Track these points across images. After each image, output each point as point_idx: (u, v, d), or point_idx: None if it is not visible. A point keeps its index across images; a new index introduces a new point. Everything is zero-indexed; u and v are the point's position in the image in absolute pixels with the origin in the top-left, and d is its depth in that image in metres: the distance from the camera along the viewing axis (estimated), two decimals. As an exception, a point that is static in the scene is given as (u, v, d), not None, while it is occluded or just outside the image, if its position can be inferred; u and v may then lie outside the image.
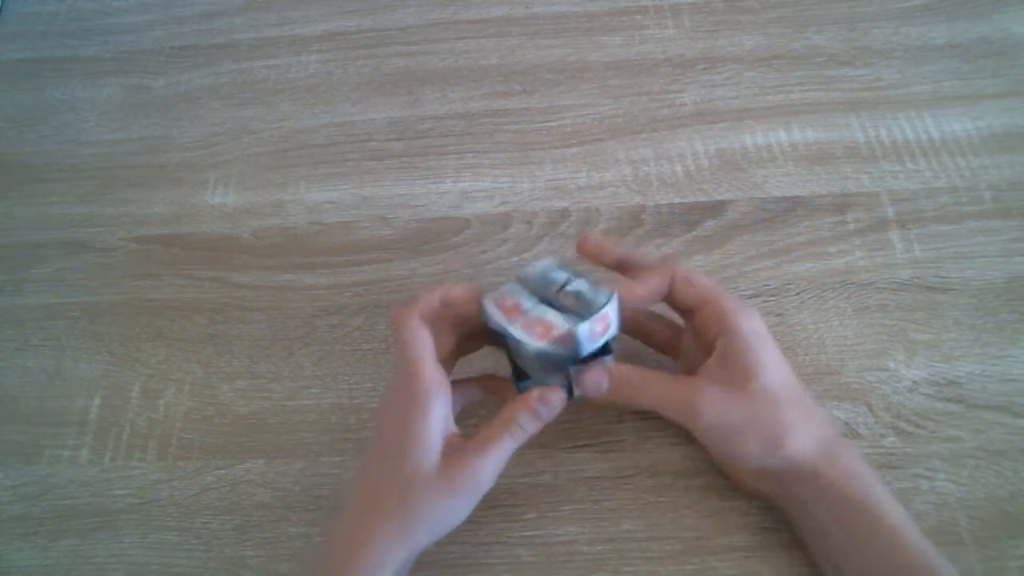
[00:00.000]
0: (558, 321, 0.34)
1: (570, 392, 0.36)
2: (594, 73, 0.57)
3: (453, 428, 0.35)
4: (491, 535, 0.40)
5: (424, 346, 0.35)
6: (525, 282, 0.37)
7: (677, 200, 0.50)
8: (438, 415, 0.34)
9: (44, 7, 0.66)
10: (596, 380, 0.36)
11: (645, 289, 0.37)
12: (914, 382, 0.42)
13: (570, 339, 0.34)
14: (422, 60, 0.59)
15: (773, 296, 0.46)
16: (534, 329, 0.34)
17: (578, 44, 0.58)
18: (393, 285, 0.48)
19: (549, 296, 0.36)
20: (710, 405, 0.34)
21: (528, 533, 0.39)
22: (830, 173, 0.50)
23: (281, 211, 0.52)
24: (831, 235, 0.48)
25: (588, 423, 0.42)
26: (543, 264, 0.38)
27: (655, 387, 0.36)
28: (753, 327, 0.35)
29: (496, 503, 0.40)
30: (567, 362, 0.35)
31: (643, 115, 0.54)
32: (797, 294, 0.46)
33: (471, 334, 0.38)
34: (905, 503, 0.38)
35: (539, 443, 0.42)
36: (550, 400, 0.35)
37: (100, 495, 0.43)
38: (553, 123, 0.54)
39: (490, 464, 0.34)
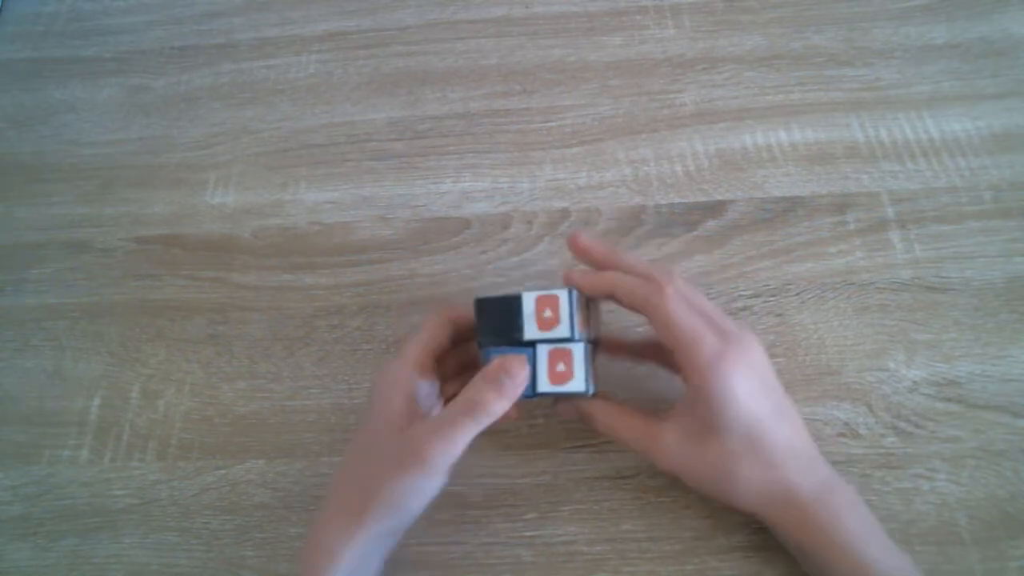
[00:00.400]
0: (578, 374, 0.36)
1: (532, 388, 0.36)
2: (594, 73, 0.57)
3: (421, 409, 0.35)
4: (491, 535, 0.40)
5: (429, 339, 0.37)
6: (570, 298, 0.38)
7: (677, 200, 0.50)
8: (407, 391, 0.35)
9: (44, 7, 0.66)
10: (568, 411, 0.39)
11: (583, 278, 0.37)
12: (914, 382, 0.42)
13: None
14: (422, 60, 0.59)
15: (773, 296, 0.46)
16: (554, 365, 0.36)
17: (578, 44, 0.58)
18: (393, 285, 0.48)
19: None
20: (666, 454, 0.35)
21: (528, 533, 0.39)
22: (830, 173, 0.50)
23: (281, 211, 0.52)
24: (831, 235, 0.48)
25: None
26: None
27: (619, 426, 0.37)
28: (725, 381, 0.33)
29: (496, 503, 0.40)
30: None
31: (643, 115, 0.54)
32: (797, 294, 0.46)
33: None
34: (905, 503, 0.38)
35: (539, 443, 0.42)
36: (512, 368, 0.34)
37: (100, 495, 0.43)
38: (553, 123, 0.54)
39: (446, 446, 0.32)
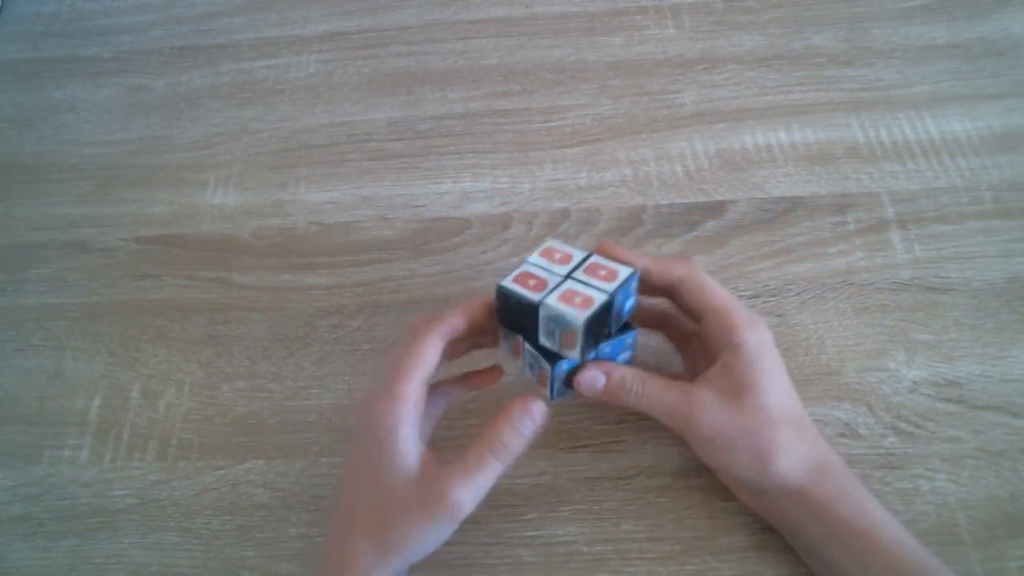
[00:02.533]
0: (594, 293, 0.34)
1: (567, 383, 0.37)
2: (594, 73, 0.57)
3: (424, 447, 0.34)
4: (492, 535, 0.40)
5: (421, 366, 0.34)
6: (540, 261, 0.36)
7: (677, 200, 0.50)
8: (411, 435, 0.33)
9: (44, 7, 0.66)
10: (592, 379, 0.36)
11: (644, 261, 0.37)
12: (914, 382, 0.42)
13: (609, 308, 0.34)
14: (422, 60, 0.59)
15: (773, 296, 0.46)
16: (573, 300, 0.33)
17: (578, 44, 0.58)
18: (393, 285, 0.48)
19: (570, 272, 0.35)
20: (705, 416, 0.34)
21: (528, 533, 0.39)
22: (830, 173, 0.50)
23: (281, 211, 0.52)
24: (831, 235, 0.48)
25: (588, 423, 0.42)
26: (554, 242, 0.37)
27: (652, 392, 0.36)
28: (759, 343, 0.35)
29: (497, 503, 0.40)
30: (602, 334, 0.35)
31: (643, 115, 0.54)
32: (797, 294, 0.46)
33: (482, 330, 0.38)
34: (905, 503, 0.38)
35: (539, 443, 0.42)
36: (531, 410, 0.34)
37: (100, 495, 0.43)
38: (553, 123, 0.54)
39: (473, 490, 0.32)
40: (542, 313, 0.34)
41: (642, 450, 0.41)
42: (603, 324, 0.35)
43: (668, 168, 0.51)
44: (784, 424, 0.34)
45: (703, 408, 0.35)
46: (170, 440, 0.44)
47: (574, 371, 0.36)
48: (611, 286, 0.34)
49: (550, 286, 0.35)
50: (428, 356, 0.35)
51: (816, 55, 0.56)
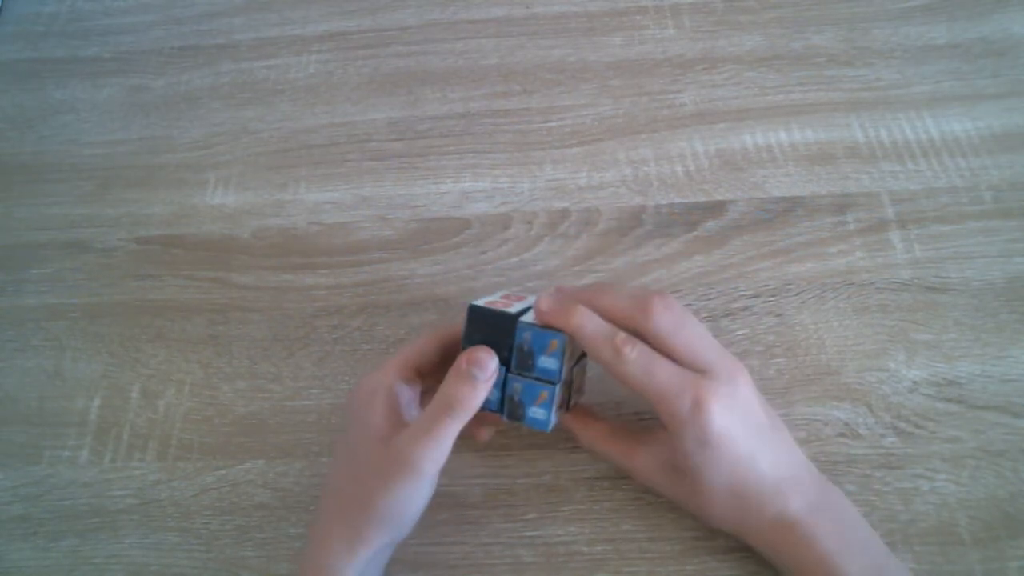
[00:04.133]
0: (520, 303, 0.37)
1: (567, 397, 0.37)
2: (594, 73, 0.57)
3: (402, 419, 0.35)
4: (491, 535, 0.40)
5: (407, 348, 0.36)
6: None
7: (677, 200, 0.50)
8: (388, 403, 0.34)
9: (44, 7, 0.66)
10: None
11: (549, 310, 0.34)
12: (914, 382, 0.42)
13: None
14: (422, 60, 0.59)
15: (773, 296, 0.46)
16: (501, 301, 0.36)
17: (578, 44, 0.58)
18: (393, 285, 0.48)
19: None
20: (643, 477, 0.37)
21: (528, 533, 0.39)
22: (830, 173, 0.50)
23: (281, 211, 0.52)
24: (831, 235, 0.48)
25: (588, 423, 0.42)
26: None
27: (598, 441, 0.38)
28: (700, 436, 0.32)
29: (496, 503, 0.40)
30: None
31: (643, 115, 0.54)
32: (797, 294, 0.46)
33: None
34: (905, 503, 0.39)
35: (539, 443, 0.42)
36: (480, 360, 0.33)
37: (100, 495, 0.43)
38: (553, 123, 0.54)
39: (431, 448, 0.32)
40: (521, 324, 0.35)
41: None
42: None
43: (668, 168, 0.51)
44: (727, 499, 0.34)
45: (642, 470, 0.37)
46: (170, 440, 0.44)
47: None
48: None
49: (518, 307, 0.36)
50: (422, 344, 0.37)
51: (816, 55, 0.56)
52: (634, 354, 0.33)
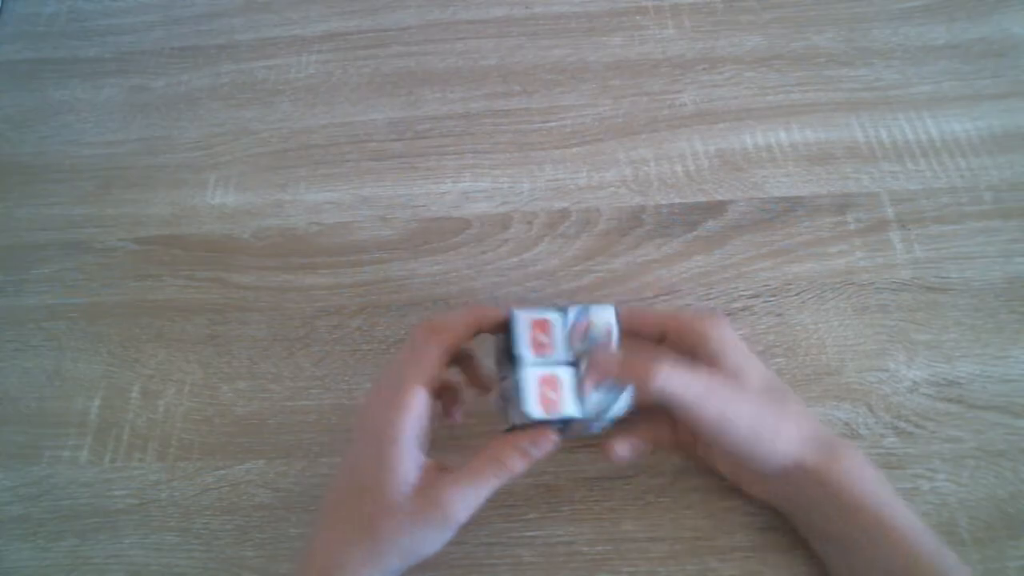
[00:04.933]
0: (567, 399, 0.33)
1: (562, 429, 0.35)
2: (594, 73, 0.57)
3: (424, 457, 0.34)
4: (492, 535, 0.40)
5: (425, 373, 0.34)
6: (565, 321, 0.35)
7: (677, 200, 0.50)
8: (413, 445, 0.33)
9: (44, 8, 0.66)
10: (605, 361, 0.34)
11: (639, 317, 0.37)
12: (914, 382, 0.42)
13: (567, 423, 0.34)
14: (422, 60, 0.59)
15: (773, 296, 0.46)
16: (544, 391, 0.33)
17: (578, 44, 0.58)
18: (393, 285, 0.48)
19: (577, 350, 0.35)
20: (717, 398, 0.34)
21: (528, 533, 0.39)
22: (830, 173, 0.50)
23: (281, 211, 0.52)
24: (831, 235, 0.48)
25: (588, 423, 0.42)
26: (599, 313, 0.36)
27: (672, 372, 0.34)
28: (720, 334, 0.35)
29: (497, 503, 0.40)
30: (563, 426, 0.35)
31: (643, 115, 0.54)
32: (797, 294, 0.46)
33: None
34: (905, 503, 0.38)
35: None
36: (541, 444, 0.34)
37: (100, 496, 0.43)
38: (553, 123, 0.54)
39: (467, 500, 0.33)
40: (518, 319, 0.35)
41: (642, 450, 0.41)
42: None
43: (668, 168, 0.51)
44: (784, 403, 0.35)
45: (713, 390, 0.34)
46: (170, 440, 0.44)
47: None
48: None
49: (548, 354, 0.35)
50: (431, 365, 0.34)
51: (816, 55, 0.56)
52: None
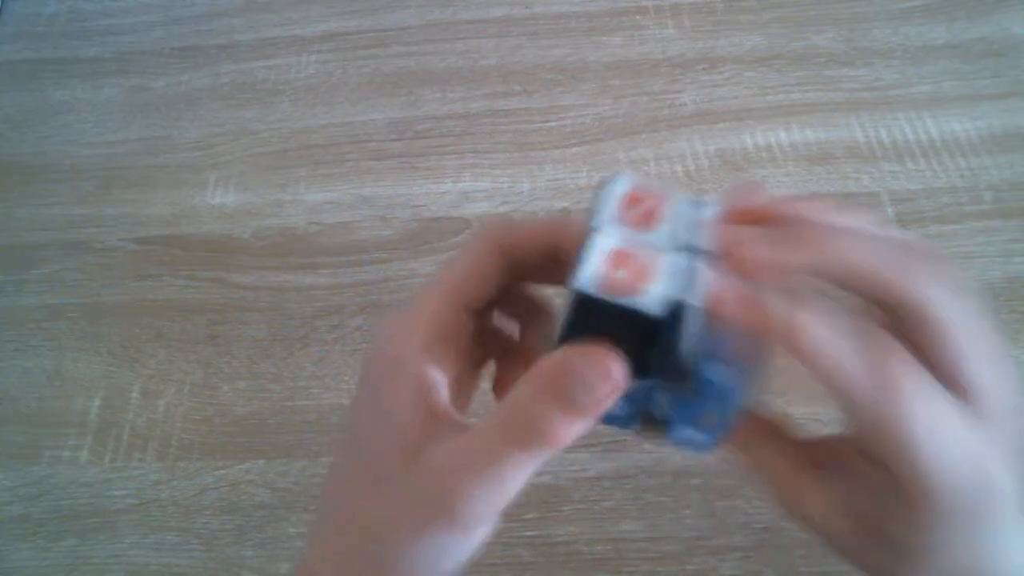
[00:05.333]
0: (648, 285, 0.20)
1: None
2: (594, 73, 0.57)
3: (442, 401, 0.22)
4: (491, 535, 0.39)
5: (456, 274, 0.23)
6: (697, 211, 0.22)
7: (677, 200, 0.50)
8: (422, 372, 0.22)
9: (44, 8, 0.66)
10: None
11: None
12: (914, 382, 0.42)
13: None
14: (422, 60, 0.59)
15: (773, 296, 0.46)
16: (614, 264, 0.20)
17: (578, 44, 0.58)
18: (393, 285, 0.48)
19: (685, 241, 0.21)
20: (827, 527, 0.22)
21: (528, 533, 0.39)
22: (830, 173, 0.50)
23: (281, 211, 0.52)
24: (831, 235, 0.48)
25: (588, 423, 0.42)
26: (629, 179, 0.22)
27: (781, 469, 0.23)
28: (963, 503, 0.19)
29: (496, 503, 0.40)
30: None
31: (643, 115, 0.54)
32: (797, 294, 0.46)
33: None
34: (905, 503, 0.38)
35: (539, 443, 0.42)
36: (592, 379, 0.20)
37: (100, 496, 0.43)
38: (553, 123, 0.54)
39: (487, 493, 0.21)
40: (617, 183, 0.22)
41: (642, 450, 0.41)
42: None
43: (668, 168, 0.51)
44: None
45: (825, 523, 0.22)
46: (170, 440, 0.44)
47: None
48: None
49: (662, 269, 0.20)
50: (471, 271, 0.23)
51: (816, 55, 0.56)
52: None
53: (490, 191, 0.52)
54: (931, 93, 0.53)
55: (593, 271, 0.20)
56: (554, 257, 0.23)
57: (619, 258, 0.20)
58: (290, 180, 0.54)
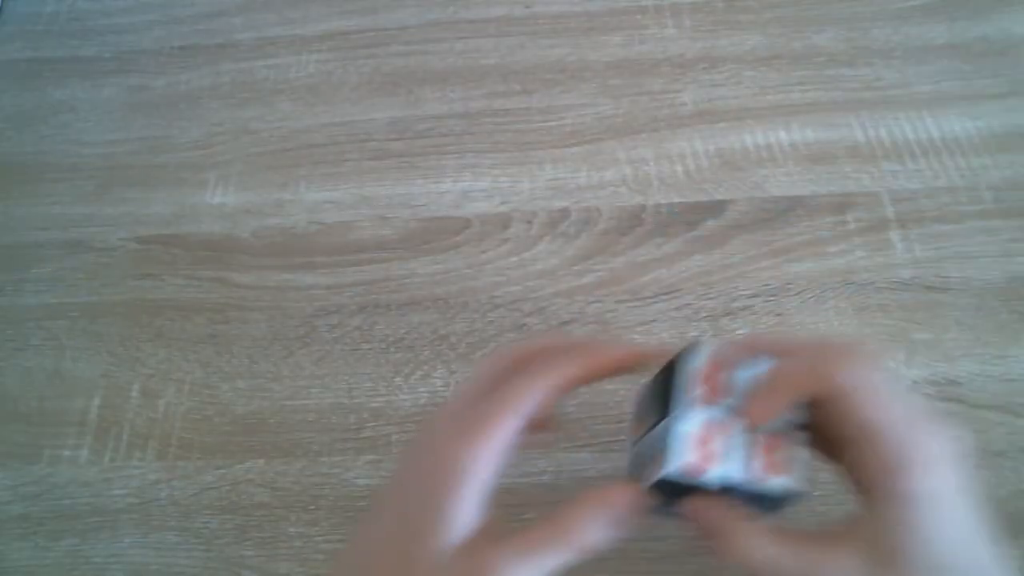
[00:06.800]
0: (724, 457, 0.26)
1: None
2: (594, 73, 0.56)
3: (482, 513, 0.26)
4: (491, 535, 0.39)
5: (523, 406, 0.27)
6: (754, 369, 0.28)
7: (677, 200, 0.50)
8: (477, 498, 0.26)
9: (44, 7, 0.66)
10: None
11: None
12: (914, 382, 0.42)
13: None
14: (422, 60, 0.59)
15: (773, 296, 0.46)
16: (701, 441, 0.26)
17: (578, 44, 0.58)
18: (393, 285, 0.48)
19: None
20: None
21: (528, 533, 0.39)
22: (830, 173, 0.50)
23: (281, 211, 0.52)
24: (831, 235, 0.48)
25: (588, 423, 0.42)
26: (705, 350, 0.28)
27: (757, 546, 0.26)
28: (921, 488, 0.24)
29: (497, 503, 0.40)
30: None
31: (643, 115, 0.54)
32: (797, 294, 0.46)
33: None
34: (905, 503, 0.38)
35: (539, 443, 0.42)
36: (624, 505, 0.27)
37: (100, 495, 0.43)
38: (553, 123, 0.54)
39: (529, 571, 0.25)
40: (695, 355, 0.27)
41: (642, 450, 0.41)
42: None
43: (668, 167, 0.51)
44: None
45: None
46: (170, 440, 0.44)
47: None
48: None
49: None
50: (532, 400, 0.26)
51: (816, 55, 0.56)
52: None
53: (490, 191, 0.52)
54: (931, 93, 0.53)
55: (677, 463, 0.26)
56: (599, 377, 0.28)
57: (695, 443, 0.26)
58: (290, 179, 0.54)
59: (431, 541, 0.25)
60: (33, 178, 0.56)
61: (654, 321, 0.45)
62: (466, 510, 0.25)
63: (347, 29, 0.61)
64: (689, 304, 0.46)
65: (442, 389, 0.44)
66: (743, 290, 0.46)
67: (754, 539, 0.26)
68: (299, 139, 0.56)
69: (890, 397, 0.25)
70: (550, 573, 0.25)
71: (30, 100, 0.60)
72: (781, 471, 0.26)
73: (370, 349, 0.46)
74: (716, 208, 0.49)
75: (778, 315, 0.45)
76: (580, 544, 0.26)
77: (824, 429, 0.27)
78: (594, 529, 0.26)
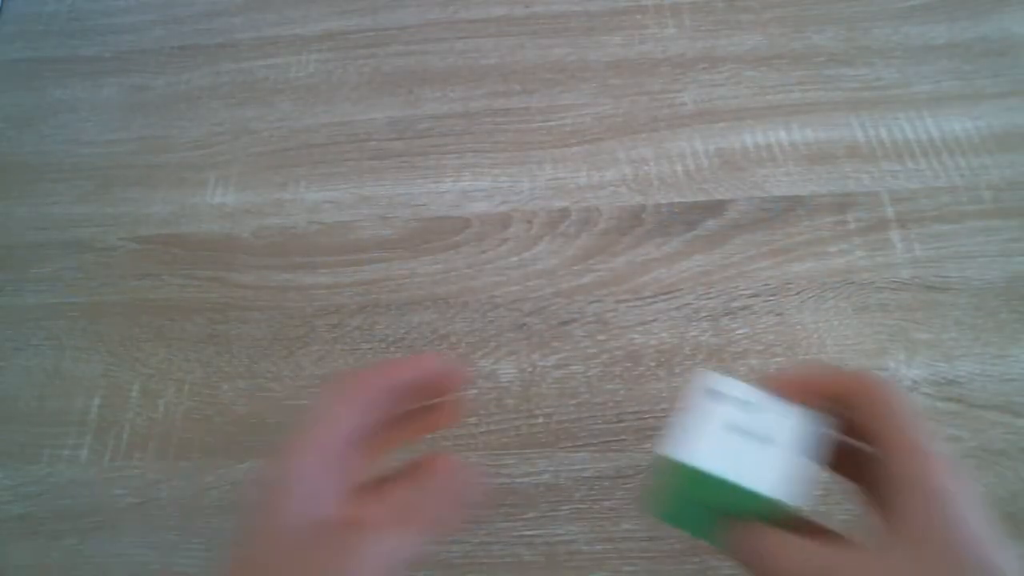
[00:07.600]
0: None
1: None
2: (594, 73, 0.56)
3: (348, 483, 0.25)
4: (491, 535, 0.40)
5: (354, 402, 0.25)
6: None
7: (677, 200, 0.50)
8: (332, 456, 0.24)
9: (44, 7, 0.66)
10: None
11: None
12: (914, 382, 0.42)
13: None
14: (422, 60, 0.59)
15: (773, 296, 0.46)
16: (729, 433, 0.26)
17: (578, 44, 0.58)
18: (393, 285, 0.48)
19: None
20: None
21: (528, 533, 0.39)
22: (830, 173, 0.50)
23: (281, 211, 0.52)
24: (831, 235, 0.48)
25: (588, 423, 0.42)
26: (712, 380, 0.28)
27: (776, 551, 0.25)
28: (942, 487, 0.24)
29: (496, 503, 0.40)
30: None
31: (643, 115, 0.54)
32: (797, 294, 0.46)
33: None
34: (905, 503, 0.38)
35: (539, 443, 0.42)
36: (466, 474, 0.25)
37: (100, 495, 0.43)
38: (553, 123, 0.54)
39: (380, 555, 0.22)
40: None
41: (642, 450, 0.41)
42: None
43: (668, 167, 0.51)
44: None
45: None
46: (170, 439, 0.44)
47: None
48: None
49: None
50: (346, 417, 0.25)
51: (816, 55, 0.56)
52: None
53: (490, 190, 0.52)
54: (931, 92, 0.53)
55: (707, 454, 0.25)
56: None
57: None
58: (290, 179, 0.54)
59: (274, 514, 0.24)
60: (33, 178, 0.56)
61: (654, 321, 0.45)
62: (315, 476, 0.24)
63: (347, 29, 0.61)
64: (689, 304, 0.46)
65: (442, 389, 0.44)
66: (743, 290, 0.46)
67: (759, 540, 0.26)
68: (299, 139, 0.56)
69: (914, 413, 0.25)
70: (408, 554, 0.24)
71: (30, 100, 0.60)
72: (785, 480, 0.26)
73: (370, 349, 0.46)
74: (716, 208, 0.49)
75: (778, 315, 0.45)
76: (437, 529, 0.24)
77: (846, 443, 0.27)
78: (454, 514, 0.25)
